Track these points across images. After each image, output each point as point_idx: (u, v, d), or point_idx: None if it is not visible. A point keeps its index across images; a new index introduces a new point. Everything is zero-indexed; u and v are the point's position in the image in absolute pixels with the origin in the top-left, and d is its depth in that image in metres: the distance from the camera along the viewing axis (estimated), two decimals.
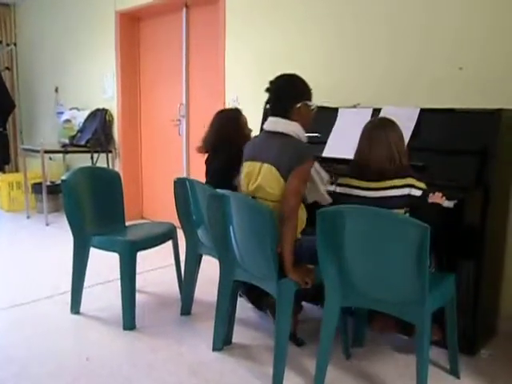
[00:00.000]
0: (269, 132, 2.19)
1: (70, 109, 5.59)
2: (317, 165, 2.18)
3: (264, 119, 2.43)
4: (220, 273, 2.34)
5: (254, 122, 2.91)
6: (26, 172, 5.42)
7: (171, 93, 4.83)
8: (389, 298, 1.93)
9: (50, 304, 2.95)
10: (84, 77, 5.56)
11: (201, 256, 2.79)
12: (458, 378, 2.15)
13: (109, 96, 5.24)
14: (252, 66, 3.82)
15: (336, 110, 2.93)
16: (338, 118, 2.90)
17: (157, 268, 3.62)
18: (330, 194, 2.23)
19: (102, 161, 5.09)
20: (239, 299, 2.54)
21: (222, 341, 2.39)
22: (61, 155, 5.62)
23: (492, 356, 2.35)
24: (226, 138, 2.71)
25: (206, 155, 2.82)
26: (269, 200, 2.12)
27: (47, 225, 4.97)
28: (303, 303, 2.63)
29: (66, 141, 5.29)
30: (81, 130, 5.27)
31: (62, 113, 5.69)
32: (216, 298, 2.35)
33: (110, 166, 5.10)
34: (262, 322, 2.71)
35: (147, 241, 2.79)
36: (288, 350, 2.09)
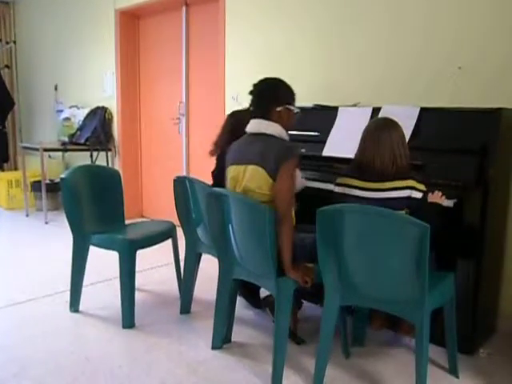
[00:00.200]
0: (251, 134, 2.21)
1: (70, 107, 5.60)
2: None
3: None
4: (219, 271, 2.34)
5: None
6: (25, 170, 5.42)
7: (171, 91, 4.83)
8: (388, 297, 1.93)
9: (49, 302, 2.95)
10: (84, 75, 5.55)
11: (200, 254, 2.80)
12: (457, 377, 2.15)
13: (108, 94, 5.23)
14: (252, 63, 3.82)
15: (336, 108, 2.93)
16: (337, 117, 2.90)
17: (156, 266, 3.62)
18: (329, 193, 2.22)
19: (101, 159, 5.08)
20: (238, 298, 2.54)
21: (222, 339, 2.39)
22: (60, 153, 5.62)
23: (491, 355, 2.35)
24: None
25: (213, 167, 2.78)
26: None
27: (46, 223, 4.97)
28: (303, 301, 2.64)
29: (66, 139, 5.29)
30: (80, 128, 5.26)
31: (61, 111, 5.70)
32: (215, 296, 2.35)
33: (110, 165, 5.09)
34: (261, 320, 2.71)
35: (147, 239, 2.79)
36: (288, 349, 2.10)
